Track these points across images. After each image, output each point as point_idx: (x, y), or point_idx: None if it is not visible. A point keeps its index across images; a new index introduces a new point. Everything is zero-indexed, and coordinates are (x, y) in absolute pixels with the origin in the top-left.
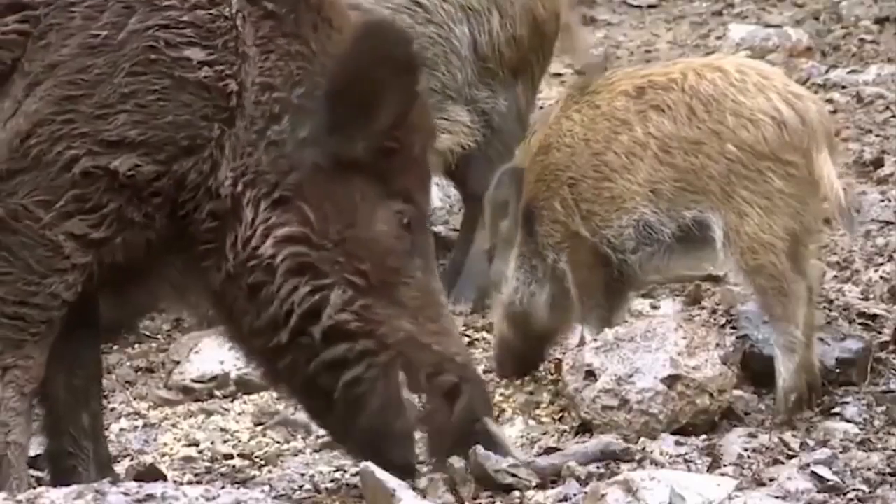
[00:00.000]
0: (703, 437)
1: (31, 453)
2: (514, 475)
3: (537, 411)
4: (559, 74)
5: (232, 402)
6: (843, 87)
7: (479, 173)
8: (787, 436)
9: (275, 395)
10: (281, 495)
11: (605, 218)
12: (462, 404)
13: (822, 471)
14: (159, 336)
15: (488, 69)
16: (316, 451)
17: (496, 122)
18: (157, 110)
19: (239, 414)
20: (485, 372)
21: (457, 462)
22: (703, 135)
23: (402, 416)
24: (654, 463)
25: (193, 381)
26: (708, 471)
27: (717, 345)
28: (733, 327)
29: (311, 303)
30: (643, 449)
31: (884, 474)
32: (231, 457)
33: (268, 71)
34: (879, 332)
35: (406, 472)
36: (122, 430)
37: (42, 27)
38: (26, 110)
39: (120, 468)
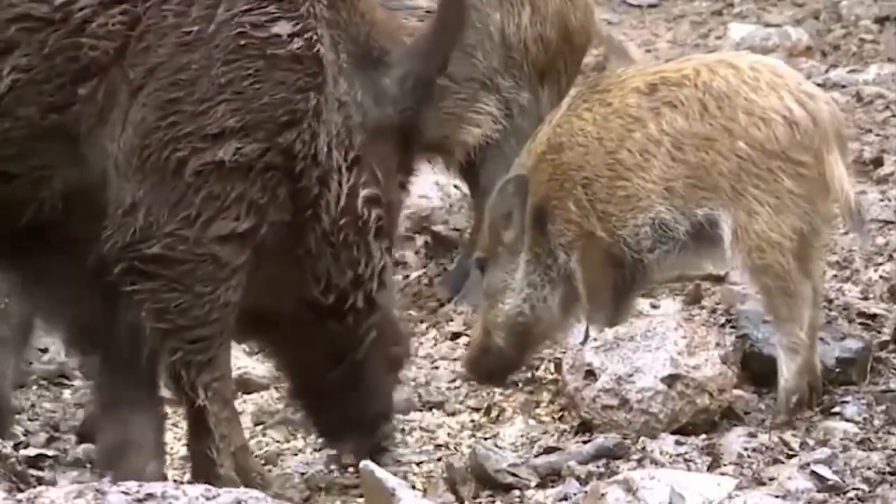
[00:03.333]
0: (703, 436)
1: (31, 453)
2: (514, 474)
3: (537, 411)
4: None
5: None
6: (843, 87)
7: (492, 168)
8: (787, 435)
9: (275, 394)
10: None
11: (620, 218)
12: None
13: (822, 470)
14: None
15: (513, 59)
16: (316, 450)
17: (516, 114)
18: (253, 94)
19: (238, 413)
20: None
21: (457, 461)
22: (715, 131)
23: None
24: (654, 462)
25: None
26: (708, 470)
27: (717, 344)
28: (733, 327)
29: (382, 265)
30: (643, 448)
31: (883, 473)
32: None
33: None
34: (879, 332)
35: (388, 420)
36: None
37: (141, 28)
38: (133, 120)
39: None
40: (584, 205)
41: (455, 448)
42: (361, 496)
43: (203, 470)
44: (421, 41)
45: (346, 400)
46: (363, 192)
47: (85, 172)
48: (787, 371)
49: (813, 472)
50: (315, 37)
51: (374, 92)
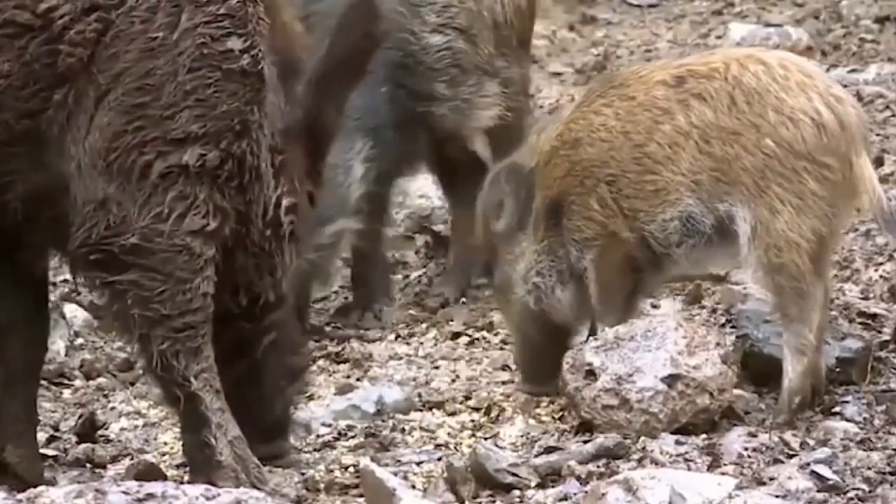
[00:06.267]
0: (704, 436)
1: None
2: (514, 474)
3: (537, 410)
4: (559, 74)
5: None
6: (844, 87)
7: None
8: (788, 435)
9: None
10: (281, 495)
11: (649, 213)
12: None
13: (823, 470)
14: None
15: (504, 37)
16: (316, 450)
17: (510, 92)
18: (214, 102)
19: None
20: (490, 370)
21: (457, 461)
22: (742, 126)
23: None
24: (655, 462)
25: None
26: (708, 470)
27: (718, 344)
28: (733, 326)
29: (291, 266)
30: (643, 448)
31: (884, 473)
32: None
33: None
34: (879, 332)
35: (283, 433)
36: (122, 429)
37: (112, 33)
38: (99, 124)
39: (120, 467)
40: (608, 203)
41: (455, 448)
42: (361, 496)
43: (201, 461)
44: (326, 46)
45: (242, 402)
46: (284, 202)
47: (48, 177)
48: (791, 371)
49: (813, 472)
50: (260, 54)
51: (289, 99)
